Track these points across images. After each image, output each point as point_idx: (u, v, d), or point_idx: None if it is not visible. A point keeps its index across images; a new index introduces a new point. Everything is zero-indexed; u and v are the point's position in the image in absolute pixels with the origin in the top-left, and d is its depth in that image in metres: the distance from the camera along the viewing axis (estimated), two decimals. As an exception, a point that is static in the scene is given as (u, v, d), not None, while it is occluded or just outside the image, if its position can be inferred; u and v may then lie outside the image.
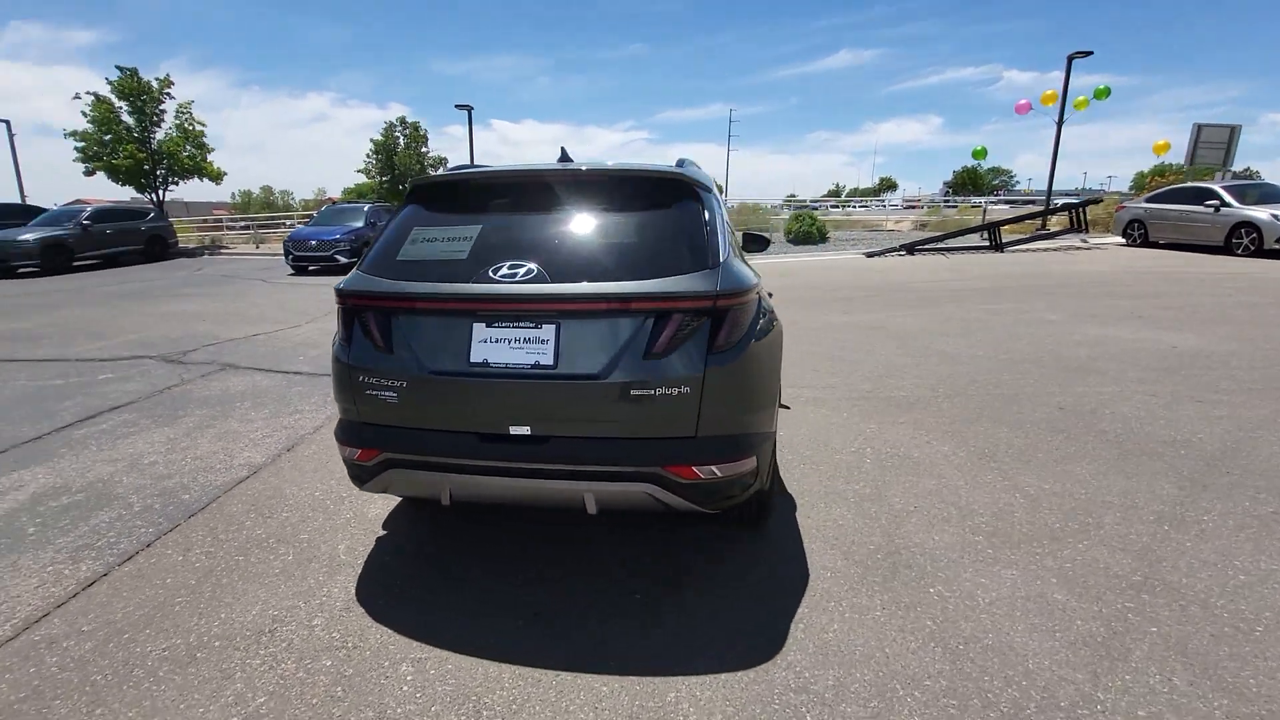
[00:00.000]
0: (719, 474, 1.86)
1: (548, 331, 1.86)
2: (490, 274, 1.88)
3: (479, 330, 1.86)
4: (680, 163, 2.58)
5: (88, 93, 19.50)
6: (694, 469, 1.83)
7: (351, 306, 2.01)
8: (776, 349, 2.21)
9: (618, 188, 2.14)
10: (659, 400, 1.80)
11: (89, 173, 19.82)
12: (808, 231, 17.62)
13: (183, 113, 21.13)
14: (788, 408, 3.89)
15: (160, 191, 21.40)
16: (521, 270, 1.89)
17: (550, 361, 1.85)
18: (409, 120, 27.97)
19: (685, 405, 1.82)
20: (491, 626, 1.98)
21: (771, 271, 9.17)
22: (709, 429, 1.86)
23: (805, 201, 42.55)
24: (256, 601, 2.14)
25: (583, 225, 2.07)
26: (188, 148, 21.40)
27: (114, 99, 19.66)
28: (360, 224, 14.80)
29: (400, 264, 2.03)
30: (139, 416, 4.10)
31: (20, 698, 1.71)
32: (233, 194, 59.21)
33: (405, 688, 1.73)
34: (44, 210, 16.54)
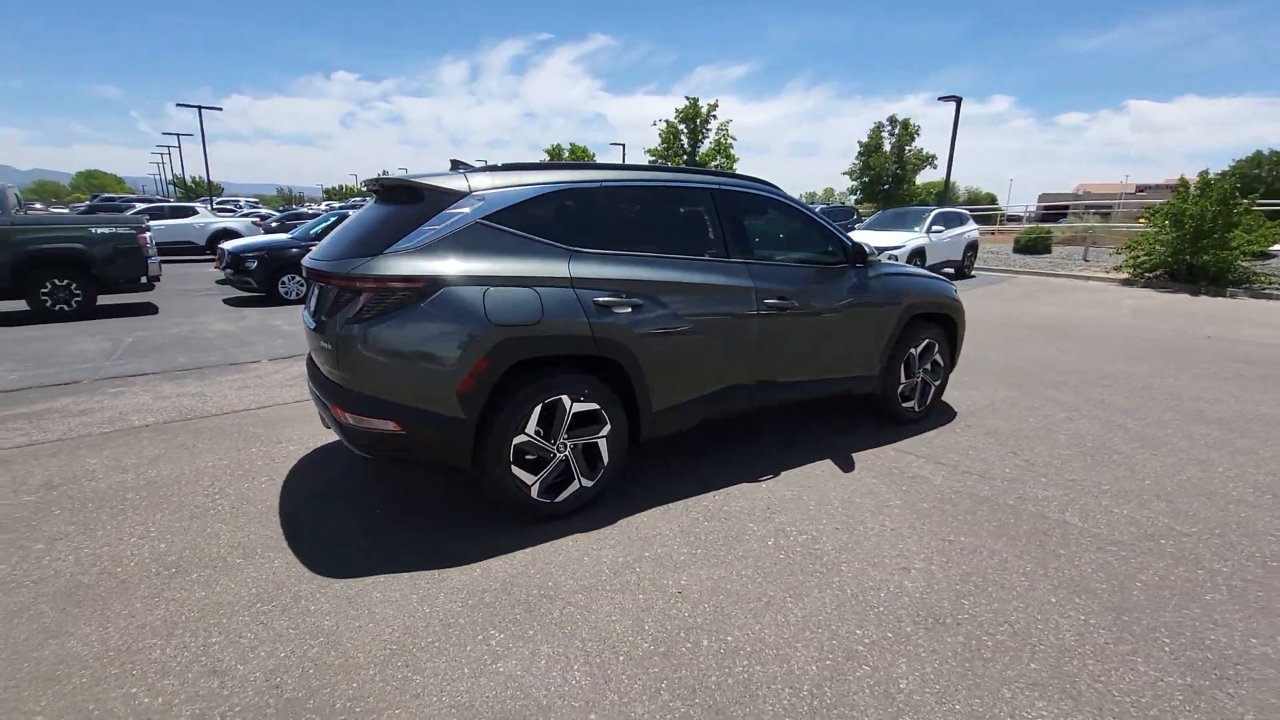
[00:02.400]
0: (353, 423, 2.50)
1: (313, 294, 2.80)
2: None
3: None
4: (454, 165, 3.07)
5: (662, 119, 29.10)
6: (340, 412, 2.54)
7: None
8: (428, 339, 2.47)
9: (393, 192, 2.84)
10: (330, 353, 2.55)
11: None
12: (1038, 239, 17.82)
13: (721, 130, 28.83)
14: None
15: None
16: (315, 249, 2.88)
17: (311, 319, 2.76)
18: (898, 119, 28.50)
19: (338, 361, 2.51)
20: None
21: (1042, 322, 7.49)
22: (351, 385, 2.51)
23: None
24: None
25: (354, 219, 2.93)
26: (718, 159, 29.12)
27: (679, 124, 28.66)
28: None
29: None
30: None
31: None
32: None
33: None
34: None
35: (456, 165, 3.15)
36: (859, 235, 13.63)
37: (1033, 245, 17.88)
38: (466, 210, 2.64)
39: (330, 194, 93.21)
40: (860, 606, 2.27)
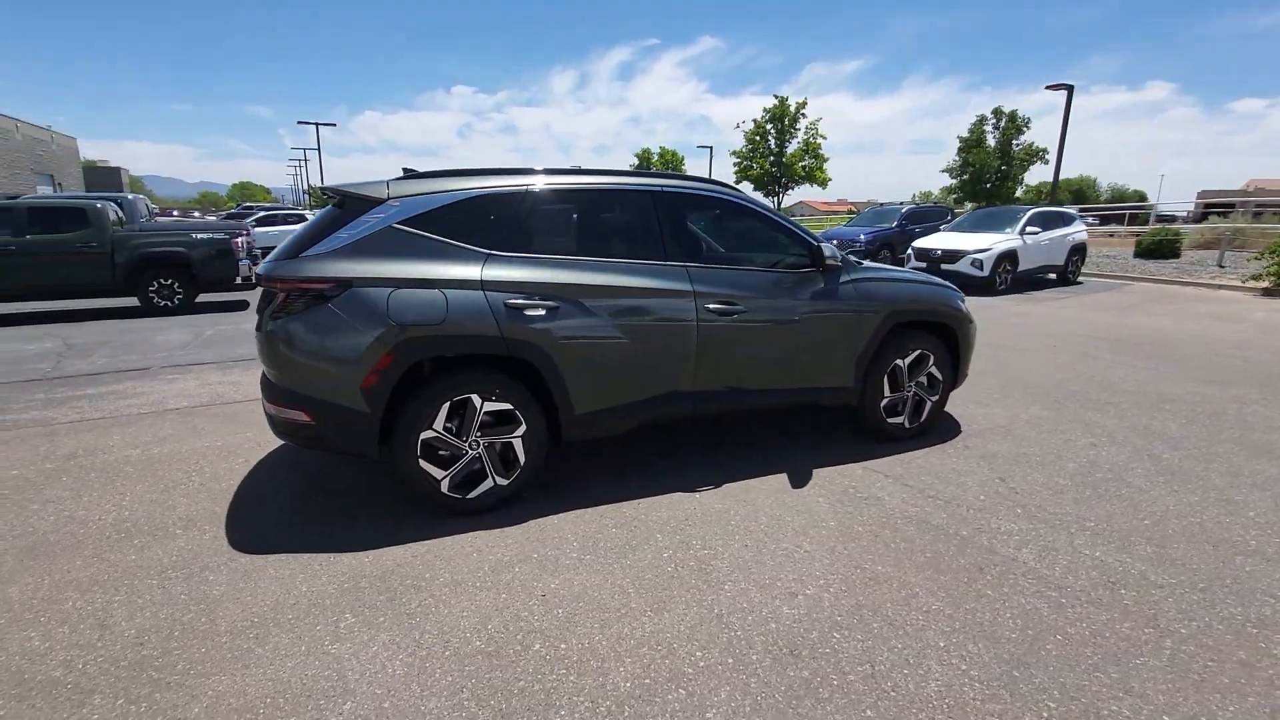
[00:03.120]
0: (274, 413, 2.77)
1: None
2: None
3: None
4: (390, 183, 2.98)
5: (749, 120, 28.63)
6: (265, 401, 2.81)
7: None
8: (333, 337, 2.65)
9: (331, 199, 3.01)
10: (259, 347, 2.81)
11: (738, 180, 29.27)
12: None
13: (810, 129, 27.98)
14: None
15: (780, 196, 29.25)
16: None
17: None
18: (1004, 111, 26.15)
19: (263, 354, 2.79)
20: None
21: None
22: (273, 377, 2.77)
23: None
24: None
25: (303, 225, 3.19)
26: (806, 159, 28.29)
27: (766, 124, 28.10)
28: (891, 225, 16.62)
29: None
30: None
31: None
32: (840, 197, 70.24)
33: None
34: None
35: (409, 172, 3.33)
36: (939, 238, 12.70)
37: (1157, 249, 15.81)
38: (381, 216, 2.81)
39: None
40: (717, 629, 2.17)
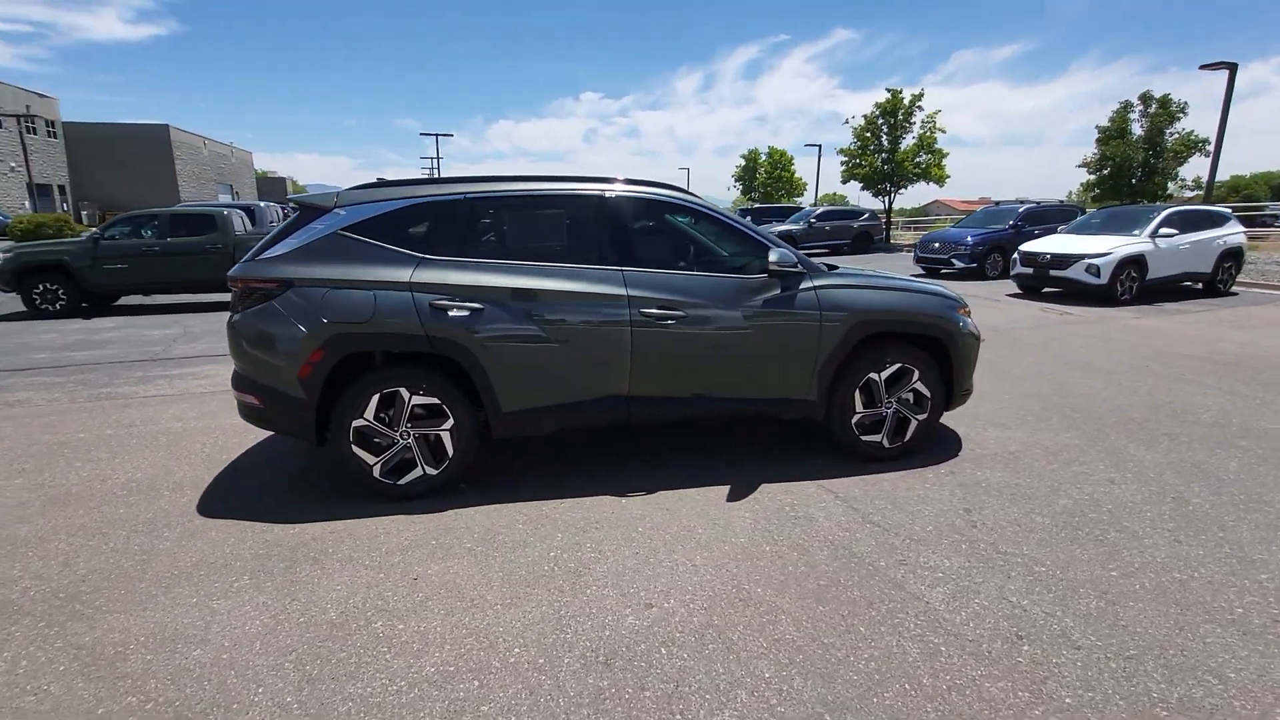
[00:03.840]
0: (237, 396, 3.18)
1: None
2: None
3: None
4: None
5: (858, 116, 27.16)
6: (232, 386, 3.21)
7: None
8: (275, 330, 3.00)
9: (297, 207, 3.32)
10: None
11: (845, 180, 27.93)
12: None
13: (927, 123, 26.09)
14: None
15: (891, 195, 27.56)
16: None
17: None
18: (1152, 96, 22.50)
19: (228, 344, 3.17)
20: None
21: None
22: (236, 365, 3.19)
23: None
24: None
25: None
26: (923, 155, 26.42)
27: (878, 119, 26.52)
28: (1004, 226, 15.11)
29: None
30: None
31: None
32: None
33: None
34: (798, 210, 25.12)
35: (382, 181, 3.64)
36: (1051, 240, 11.39)
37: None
38: (328, 223, 3.12)
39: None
40: (550, 629, 2.20)
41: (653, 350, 3.27)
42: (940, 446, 3.86)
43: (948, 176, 26.69)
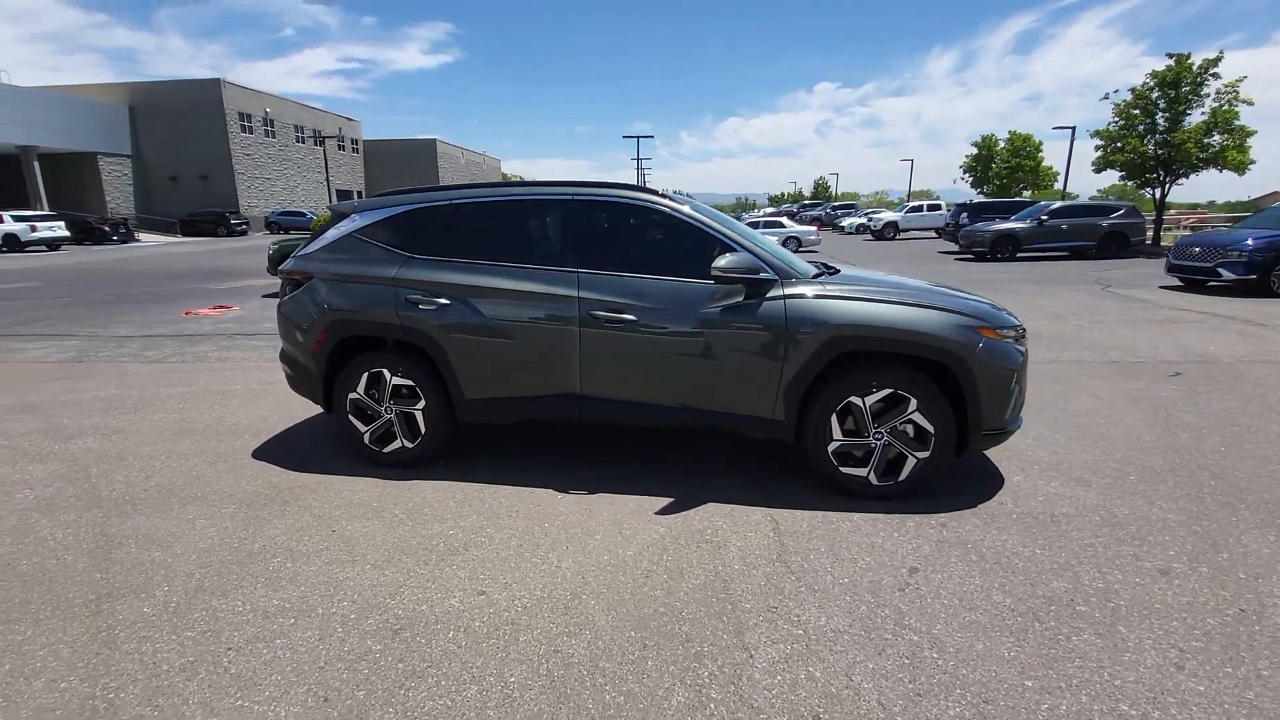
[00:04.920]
0: (281, 366, 3.92)
1: None
2: None
3: None
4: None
5: (1122, 89, 22.19)
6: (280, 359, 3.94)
7: None
8: (298, 314, 3.72)
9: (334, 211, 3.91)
10: None
11: (1097, 169, 23.13)
12: None
13: (1223, 95, 20.53)
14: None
15: (1164, 186, 22.22)
16: None
17: None
18: None
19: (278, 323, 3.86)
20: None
21: None
22: (281, 340, 3.87)
23: None
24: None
25: None
26: (1214, 136, 20.89)
27: (1152, 93, 21.46)
28: None
29: None
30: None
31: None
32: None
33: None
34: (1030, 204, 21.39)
35: (393, 191, 4.19)
36: None
37: None
38: (346, 226, 3.75)
39: (775, 200, 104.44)
40: (381, 592, 2.46)
41: (601, 352, 3.32)
42: (967, 493, 3.27)
43: (1252, 162, 20.58)
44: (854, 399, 3.14)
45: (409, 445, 3.65)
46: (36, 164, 30.57)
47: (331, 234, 3.78)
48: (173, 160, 37.05)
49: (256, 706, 1.89)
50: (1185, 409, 4.59)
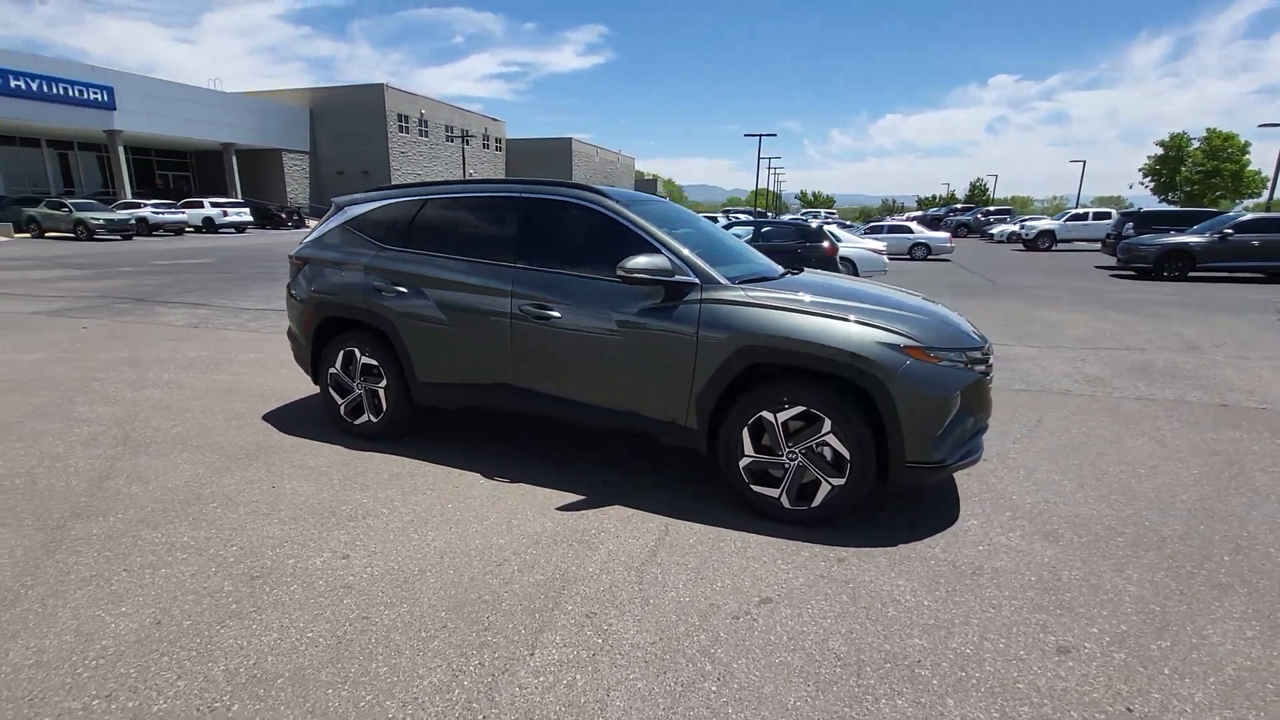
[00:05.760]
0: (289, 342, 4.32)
1: None
2: None
3: None
4: None
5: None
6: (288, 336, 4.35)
7: None
8: (296, 294, 4.20)
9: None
10: None
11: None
12: None
13: None
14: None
15: None
16: None
17: None
18: None
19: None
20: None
21: None
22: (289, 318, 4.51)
23: None
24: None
25: None
26: None
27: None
28: None
29: None
30: None
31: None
32: None
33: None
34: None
35: (378, 186, 4.60)
36: None
37: None
38: (338, 219, 4.22)
39: (924, 203, 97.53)
40: (267, 545, 2.79)
41: (530, 346, 3.46)
42: (902, 528, 3.03)
43: None
44: (766, 414, 3.01)
45: (374, 420, 4.03)
46: (234, 158, 36.43)
47: (327, 225, 4.26)
48: (341, 156, 42.30)
49: (107, 618, 2.26)
50: (1268, 470, 3.81)
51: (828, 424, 2.90)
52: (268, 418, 4.51)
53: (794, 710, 1.91)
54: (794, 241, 12.75)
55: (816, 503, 2.99)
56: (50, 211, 23.87)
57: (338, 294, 3.99)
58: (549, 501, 3.27)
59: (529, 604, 2.41)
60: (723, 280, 3.18)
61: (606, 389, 3.36)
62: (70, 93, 27.20)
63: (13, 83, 25.26)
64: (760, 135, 32.35)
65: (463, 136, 49.05)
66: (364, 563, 2.67)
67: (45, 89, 26.25)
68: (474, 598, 2.44)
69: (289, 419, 4.47)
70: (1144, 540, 2.96)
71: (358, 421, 4.08)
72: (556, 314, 3.36)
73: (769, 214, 29.99)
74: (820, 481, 2.97)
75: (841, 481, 2.93)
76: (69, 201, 24.02)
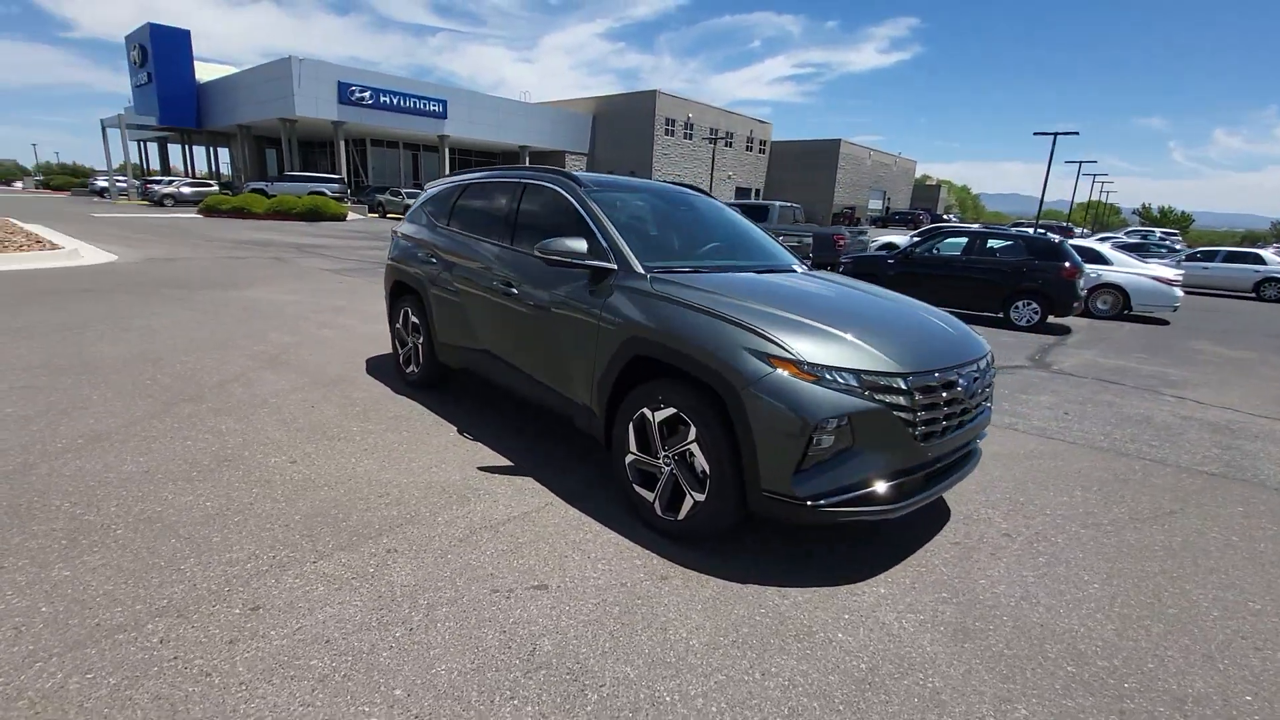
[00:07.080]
0: None
1: None
2: None
3: None
4: None
5: None
6: None
7: None
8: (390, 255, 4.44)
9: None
10: None
11: None
12: None
13: None
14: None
15: None
16: None
17: None
18: None
19: None
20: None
21: None
22: None
23: None
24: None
25: None
26: None
27: None
28: None
29: None
30: None
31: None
32: None
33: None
34: None
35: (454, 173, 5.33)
36: None
37: None
38: (421, 199, 5.13)
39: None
40: (259, 478, 3.70)
41: (500, 320, 3.87)
42: (828, 571, 2.76)
43: None
44: (647, 411, 2.96)
45: (415, 370, 4.84)
46: (528, 159, 43.45)
47: (415, 204, 5.19)
48: (614, 158, 47.34)
49: (98, 469, 3.29)
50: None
51: (693, 431, 2.74)
52: (370, 360, 5.65)
53: (440, 678, 2.00)
54: (1018, 259, 10.76)
55: (681, 515, 2.84)
56: (390, 198, 31.53)
57: (401, 261, 4.88)
58: (478, 460, 3.63)
59: (358, 528, 2.82)
60: (639, 269, 3.17)
61: (544, 366, 3.58)
62: (417, 105, 35.46)
63: (382, 99, 33.89)
64: (1055, 134, 26.98)
65: (724, 139, 50.86)
66: (297, 469, 3.36)
67: (401, 103, 34.66)
68: (328, 512, 2.94)
69: (381, 364, 5.54)
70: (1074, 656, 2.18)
71: (408, 370, 4.93)
72: (515, 291, 3.68)
73: (1028, 228, 25.19)
74: (686, 496, 2.82)
75: (701, 497, 2.74)
76: (402, 190, 31.47)
